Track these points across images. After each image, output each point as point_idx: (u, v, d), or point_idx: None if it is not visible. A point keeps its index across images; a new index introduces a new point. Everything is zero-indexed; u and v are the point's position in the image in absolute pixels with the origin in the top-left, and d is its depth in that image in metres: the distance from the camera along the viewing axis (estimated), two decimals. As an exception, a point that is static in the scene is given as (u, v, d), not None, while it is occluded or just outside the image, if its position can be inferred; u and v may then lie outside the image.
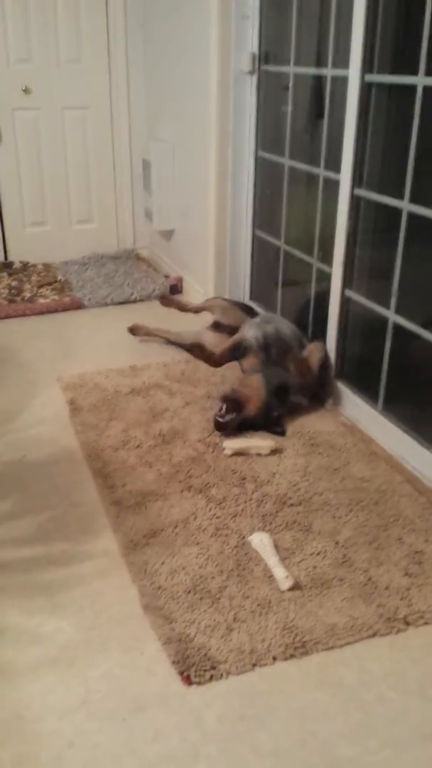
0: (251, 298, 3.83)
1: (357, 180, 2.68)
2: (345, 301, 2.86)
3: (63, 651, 1.78)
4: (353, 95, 2.59)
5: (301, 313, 3.27)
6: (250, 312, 3.44)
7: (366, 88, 2.56)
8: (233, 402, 2.64)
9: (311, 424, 2.80)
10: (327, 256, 2.94)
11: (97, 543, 2.15)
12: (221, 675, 1.70)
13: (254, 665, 1.73)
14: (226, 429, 2.65)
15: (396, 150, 2.50)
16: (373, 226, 2.75)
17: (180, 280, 4.32)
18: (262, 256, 3.71)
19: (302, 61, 3.11)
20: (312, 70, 3.06)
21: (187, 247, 4.21)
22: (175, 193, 4.26)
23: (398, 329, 2.57)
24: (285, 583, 1.94)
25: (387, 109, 2.60)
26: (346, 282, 2.83)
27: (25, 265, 4.63)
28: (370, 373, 2.74)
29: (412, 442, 2.50)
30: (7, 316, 3.94)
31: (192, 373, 3.21)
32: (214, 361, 3.11)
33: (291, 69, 3.18)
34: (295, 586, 1.95)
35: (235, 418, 2.64)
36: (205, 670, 1.71)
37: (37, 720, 1.60)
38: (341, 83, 2.68)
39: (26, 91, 4.38)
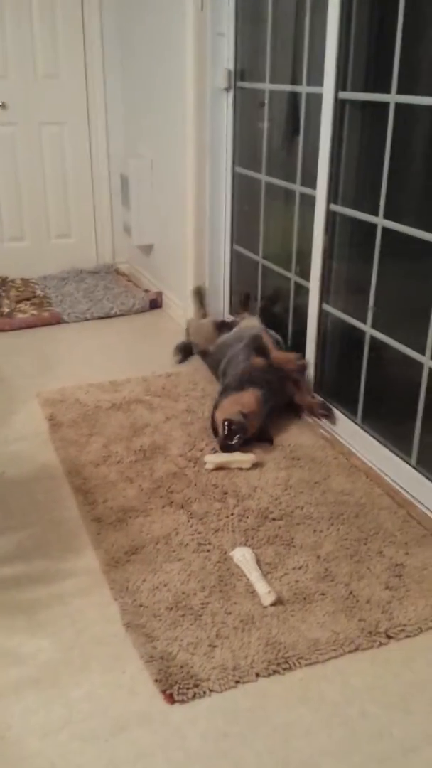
0: (231, 312, 3.84)
1: (332, 196, 2.71)
2: (323, 315, 2.88)
3: (44, 671, 1.76)
4: (327, 112, 2.62)
5: (280, 327, 3.29)
6: (223, 327, 3.39)
7: (339, 105, 2.60)
8: (240, 425, 2.64)
9: (292, 437, 2.82)
10: (305, 271, 2.97)
11: (77, 560, 2.14)
12: (204, 693, 1.70)
13: (237, 682, 1.73)
14: (233, 450, 2.65)
15: (370, 166, 2.54)
16: (349, 241, 2.78)
17: (160, 294, 4.32)
18: (241, 270, 3.72)
19: (277, 78, 3.15)
20: (287, 87, 3.09)
21: (167, 261, 4.22)
22: (154, 208, 4.28)
23: (375, 342, 2.60)
24: (267, 598, 1.94)
25: (361, 126, 2.64)
26: (324, 296, 2.86)
27: (4, 280, 4.61)
28: (348, 387, 2.76)
29: (391, 455, 2.52)
30: (-14, 332, 3.92)
31: (172, 387, 3.22)
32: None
33: (266, 86, 3.21)
34: (278, 602, 1.95)
35: (241, 439, 2.65)
36: (188, 688, 1.70)
37: (19, 741, 1.59)
38: (316, 100, 2.71)
39: (3, 106, 4.38)
